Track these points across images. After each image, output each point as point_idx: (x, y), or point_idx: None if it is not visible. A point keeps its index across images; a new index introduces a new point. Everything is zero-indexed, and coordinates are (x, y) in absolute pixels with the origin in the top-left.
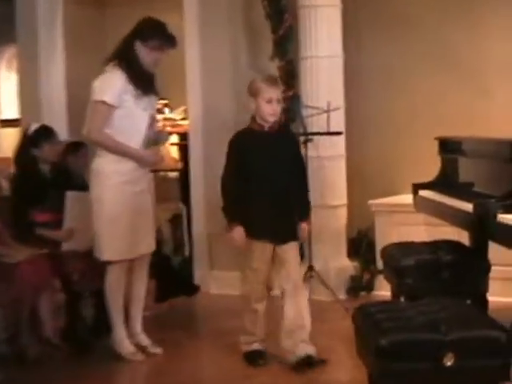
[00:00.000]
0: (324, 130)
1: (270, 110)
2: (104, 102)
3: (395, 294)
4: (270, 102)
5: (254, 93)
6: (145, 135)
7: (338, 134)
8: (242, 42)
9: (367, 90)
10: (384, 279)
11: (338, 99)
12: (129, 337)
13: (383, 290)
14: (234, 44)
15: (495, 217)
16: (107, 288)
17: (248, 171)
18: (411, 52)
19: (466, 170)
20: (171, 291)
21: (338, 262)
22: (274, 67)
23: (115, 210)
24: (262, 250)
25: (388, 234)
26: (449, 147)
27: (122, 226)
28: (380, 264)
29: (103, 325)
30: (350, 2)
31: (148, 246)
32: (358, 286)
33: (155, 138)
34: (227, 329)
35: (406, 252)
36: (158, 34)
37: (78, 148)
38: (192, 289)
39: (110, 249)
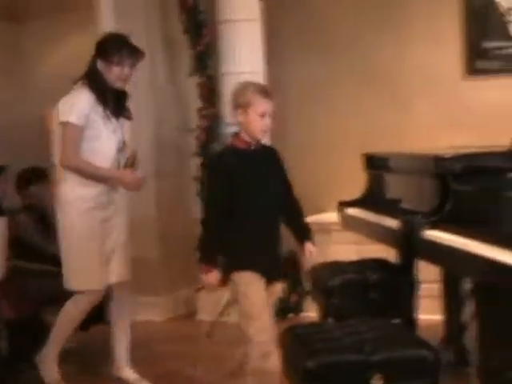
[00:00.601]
0: None
1: (262, 125)
2: (71, 124)
3: (323, 315)
4: (263, 116)
5: (243, 104)
6: (114, 159)
7: None
8: (159, 57)
9: (291, 106)
10: (312, 300)
11: None
12: (115, 371)
13: (312, 312)
14: (152, 59)
15: (421, 233)
16: (64, 316)
17: (238, 198)
18: (335, 67)
19: (393, 187)
20: (92, 318)
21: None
22: (193, 83)
23: (82, 237)
24: (259, 283)
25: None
26: (375, 163)
27: (90, 254)
28: (308, 285)
29: (19, 356)
30: (272, 17)
31: (119, 275)
32: (286, 307)
33: (126, 163)
34: (159, 354)
35: (332, 272)
36: (116, 48)
37: None
38: None
39: (77, 278)
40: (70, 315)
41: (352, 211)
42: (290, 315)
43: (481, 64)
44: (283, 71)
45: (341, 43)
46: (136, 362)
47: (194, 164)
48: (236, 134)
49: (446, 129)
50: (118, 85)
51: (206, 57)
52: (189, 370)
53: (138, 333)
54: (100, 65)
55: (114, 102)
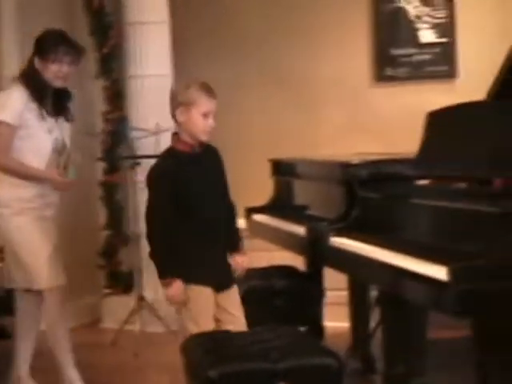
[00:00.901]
0: (153, 153)
1: (205, 125)
2: (4, 123)
3: None
4: (206, 116)
5: (185, 102)
6: (51, 159)
7: None
8: None
9: None
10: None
11: (168, 120)
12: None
13: None
14: None
15: (327, 240)
16: (51, 322)
17: (183, 205)
18: (244, 70)
19: (300, 193)
20: None
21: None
22: (98, 86)
23: (30, 233)
24: (206, 298)
25: None
26: (282, 169)
27: (44, 249)
28: None
29: None
30: (180, 19)
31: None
32: None
33: (59, 164)
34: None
35: (238, 279)
36: (52, 45)
37: None
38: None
39: (43, 275)
40: (53, 319)
41: (259, 218)
42: None
43: (389, 71)
44: (191, 74)
45: (249, 46)
46: (37, 371)
47: (100, 168)
48: (176, 136)
49: (354, 135)
50: (56, 83)
51: (112, 59)
52: (93, 378)
53: (39, 342)
54: (37, 63)
55: (54, 101)
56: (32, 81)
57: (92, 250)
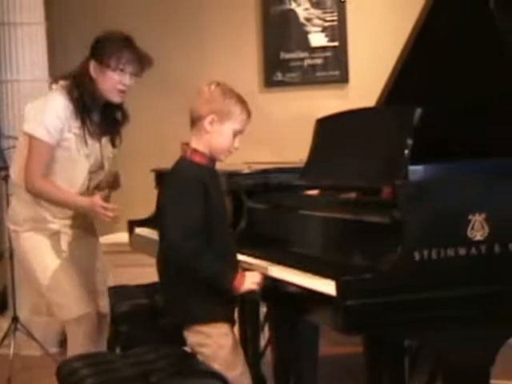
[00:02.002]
0: None
1: (231, 145)
2: (38, 139)
3: (110, 344)
4: (236, 135)
5: (222, 112)
6: (80, 187)
7: None
8: None
9: None
10: None
11: None
12: None
13: None
14: None
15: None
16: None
17: (209, 224)
18: None
19: None
20: None
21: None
22: None
23: (49, 256)
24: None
25: None
26: None
27: (69, 273)
28: None
29: None
30: (56, 20)
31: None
32: (64, 338)
33: (101, 185)
34: None
35: (120, 297)
36: (116, 49)
37: None
38: None
39: (70, 303)
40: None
41: (141, 231)
42: None
43: (280, 76)
44: None
45: None
46: None
47: None
48: (189, 146)
49: (243, 143)
50: (113, 97)
51: None
52: None
53: None
54: (93, 69)
55: (101, 119)
56: (82, 91)
57: None
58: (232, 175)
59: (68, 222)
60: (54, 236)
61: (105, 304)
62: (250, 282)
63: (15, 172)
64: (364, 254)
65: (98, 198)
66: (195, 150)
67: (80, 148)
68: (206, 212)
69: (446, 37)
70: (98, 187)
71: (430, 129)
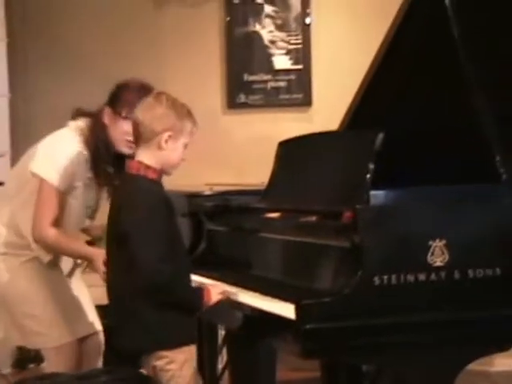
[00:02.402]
0: None
1: (182, 158)
2: (49, 184)
3: None
4: (185, 147)
5: (177, 128)
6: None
7: (0, 184)
8: None
9: (37, 134)
10: None
11: (3, 144)
12: None
13: None
14: None
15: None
16: None
17: (175, 247)
18: (86, 92)
19: None
20: None
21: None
22: None
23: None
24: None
25: None
26: None
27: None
28: None
29: None
30: (18, 36)
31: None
32: (26, 357)
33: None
34: None
35: None
36: (130, 97)
37: None
38: None
39: (49, 331)
40: None
41: None
42: (31, 366)
43: (243, 98)
44: (32, 96)
45: (93, 68)
46: None
47: None
48: (139, 162)
49: (205, 165)
50: (121, 146)
51: None
52: None
53: None
54: (107, 115)
55: (105, 169)
56: (97, 140)
57: None
58: (192, 197)
59: None
60: (33, 260)
61: (88, 325)
62: (216, 293)
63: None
64: (324, 277)
65: (103, 253)
66: (148, 167)
67: (86, 198)
68: (171, 231)
69: (409, 62)
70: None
71: (390, 153)
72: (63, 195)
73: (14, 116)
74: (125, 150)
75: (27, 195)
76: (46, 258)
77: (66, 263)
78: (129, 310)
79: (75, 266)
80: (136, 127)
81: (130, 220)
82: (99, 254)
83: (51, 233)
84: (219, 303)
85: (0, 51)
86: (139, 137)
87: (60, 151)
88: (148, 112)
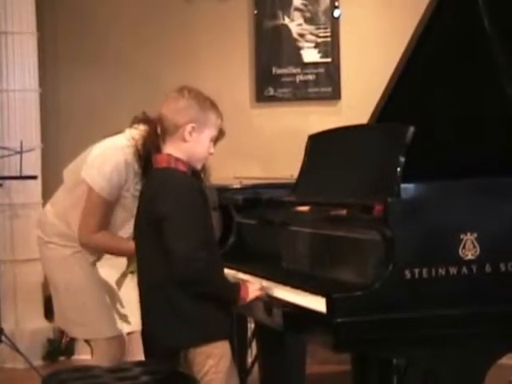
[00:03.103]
0: (17, 173)
1: (208, 153)
2: (100, 196)
3: None
4: (211, 142)
5: (201, 120)
6: None
7: (33, 178)
8: None
9: (67, 128)
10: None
11: (34, 139)
12: None
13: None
14: None
15: None
16: None
17: (210, 237)
18: (117, 87)
19: None
20: None
21: (32, 324)
22: None
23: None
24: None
25: None
26: None
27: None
28: None
29: None
30: (48, 30)
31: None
32: (56, 350)
33: None
34: None
35: None
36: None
37: None
38: None
39: (100, 323)
40: None
41: None
42: (61, 358)
43: (272, 91)
44: (62, 91)
45: (122, 62)
46: None
47: None
48: (170, 156)
49: (233, 158)
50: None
51: None
52: None
53: None
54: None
55: None
56: (148, 153)
57: None
58: (222, 190)
59: None
60: (79, 253)
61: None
62: (253, 290)
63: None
64: (354, 271)
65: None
66: (177, 159)
67: (133, 208)
68: (206, 221)
69: (440, 54)
70: None
71: (422, 146)
72: (110, 205)
73: (44, 110)
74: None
75: (77, 197)
76: (91, 258)
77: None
78: (165, 302)
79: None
80: (161, 122)
81: (167, 208)
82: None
83: (94, 239)
84: (257, 300)
85: (30, 45)
86: (165, 131)
87: (110, 161)
88: (171, 105)
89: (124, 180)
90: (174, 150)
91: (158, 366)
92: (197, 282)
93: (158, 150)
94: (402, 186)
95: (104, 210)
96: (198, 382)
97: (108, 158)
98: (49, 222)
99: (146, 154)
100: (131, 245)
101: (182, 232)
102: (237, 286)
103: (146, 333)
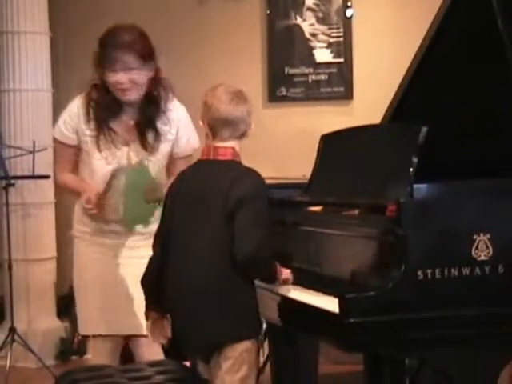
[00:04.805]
0: (29, 173)
1: None
2: (56, 140)
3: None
4: None
5: (249, 127)
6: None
7: (45, 177)
8: None
9: None
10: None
11: (46, 138)
12: None
13: None
14: None
15: None
16: None
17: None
18: None
19: None
20: None
21: (45, 323)
22: None
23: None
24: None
25: None
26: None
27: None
28: None
29: None
30: (60, 31)
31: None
32: (69, 349)
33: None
34: None
35: None
36: (102, 46)
37: None
38: None
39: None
40: None
41: None
42: (74, 358)
43: (284, 91)
44: (70, 91)
45: None
46: None
47: None
48: (234, 150)
49: (245, 159)
50: (119, 97)
51: None
52: None
53: None
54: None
55: (110, 121)
56: (95, 96)
57: None
58: None
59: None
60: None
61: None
62: (285, 271)
63: None
64: (367, 271)
65: (95, 189)
66: (239, 154)
67: (94, 152)
68: None
69: (453, 53)
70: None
71: (434, 147)
72: (68, 149)
73: (57, 111)
74: (123, 98)
75: None
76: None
77: None
78: (218, 294)
79: None
80: (226, 120)
81: (245, 192)
82: (93, 188)
83: (59, 179)
84: (286, 283)
85: (43, 45)
86: (228, 127)
87: (65, 109)
88: (240, 107)
89: (75, 122)
90: (235, 145)
91: (170, 366)
92: (259, 265)
93: (101, 95)
94: (415, 186)
95: (63, 153)
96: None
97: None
98: (76, 219)
99: (93, 99)
100: (84, 184)
101: (256, 219)
102: (279, 266)
103: (185, 327)
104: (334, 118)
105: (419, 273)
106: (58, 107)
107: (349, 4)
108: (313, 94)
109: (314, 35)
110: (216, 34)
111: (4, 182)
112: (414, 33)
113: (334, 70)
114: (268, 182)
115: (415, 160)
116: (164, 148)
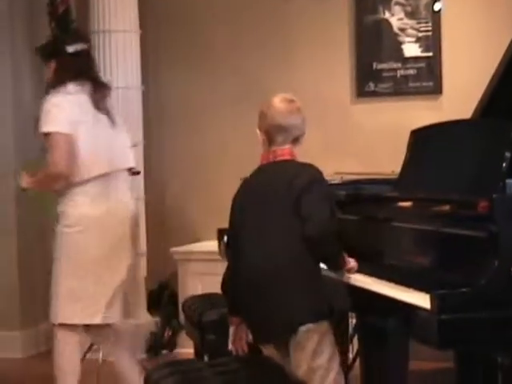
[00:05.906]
0: None
1: None
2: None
3: (198, 351)
4: None
5: (302, 135)
6: None
7: (137, 173)
8: (26, 68)
9: (169, 124)
10: (186, 336)
11: (137, 135)
12: None
13: (187, 348)
14: (17, 71)
15: None
16: None
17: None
18: (217, 84)
19: None
20: None
21: (136, 318)
22: None
23: None
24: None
25: (192, 284)
26: None
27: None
28: (183, 319)
29: None
30: (150, 28)
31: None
32: (159, 343)
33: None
34: None
35: (208, 305)
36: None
37: None
38: None
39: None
40: None
41: None
42: (164, 352)
43: (372, 86)
44: (161, 88)
45: (224, 62)
46: None
47: None
48: (292, 151)
49: (334, 154)
50: None
51: None
52: None
53: None
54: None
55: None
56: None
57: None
58: None
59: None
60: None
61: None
62: (349, 260)
63: None
64: (458, 267)
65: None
66: (295, 155)
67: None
68: None
69: None
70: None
71: None
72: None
73: (146, 107)
74: None
75: None
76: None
77: None
78: (291, 277)
79: None
80: (280, 126)
81: (306, 182)
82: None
83: None
84: (351, 271)
85: (133, 43)
86: (282, 133)
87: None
88: (295, 115)
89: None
90: (295, 151)
91: (256, 359)
92: (328, 241)
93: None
94: (508, 181)
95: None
96: (296, 377)
97: None
98: None
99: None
100: None
101: (320, 199)
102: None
103: (260, 316)
104: (422, 113)
105: None
106: (147, 104)
107: None
108: (401, 88)
109: (402, 30)
110: (302, 31)
111: None
112: (505, 25)
113: (422, 65)
114: (356, 177)
115: (508, 155)
116: None
